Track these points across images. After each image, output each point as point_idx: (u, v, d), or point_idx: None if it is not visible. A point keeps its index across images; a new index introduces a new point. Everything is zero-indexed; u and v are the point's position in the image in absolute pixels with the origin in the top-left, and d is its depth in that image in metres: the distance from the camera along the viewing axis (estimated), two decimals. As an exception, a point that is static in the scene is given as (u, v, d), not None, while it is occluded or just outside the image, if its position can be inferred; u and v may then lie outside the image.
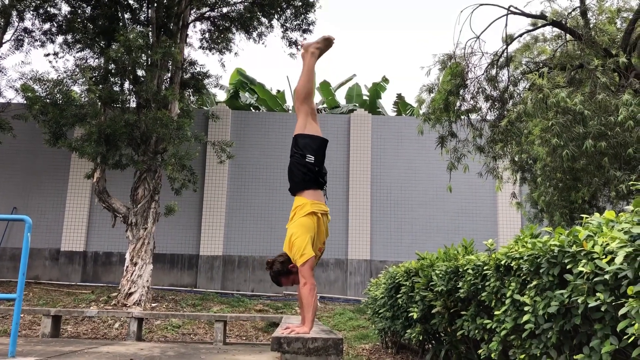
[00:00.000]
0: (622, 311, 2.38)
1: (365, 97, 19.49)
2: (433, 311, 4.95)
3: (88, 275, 13.96)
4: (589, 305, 2.68)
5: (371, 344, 8.37)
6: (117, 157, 11.33)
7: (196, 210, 14.41)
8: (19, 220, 6.05)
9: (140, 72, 11.65)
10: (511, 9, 8.77)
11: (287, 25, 13.61)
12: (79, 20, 12.04)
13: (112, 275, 13.87)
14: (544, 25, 9.07)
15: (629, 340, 2.39)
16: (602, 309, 2.61)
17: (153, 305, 11.13)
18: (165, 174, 11.19)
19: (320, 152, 4.34)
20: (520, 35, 9.43)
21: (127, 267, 10.97)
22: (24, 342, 7.30)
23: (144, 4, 12.54)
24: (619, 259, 2.40)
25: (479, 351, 4.08)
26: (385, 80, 19.02)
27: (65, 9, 12.60)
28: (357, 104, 18.73)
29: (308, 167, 4.25)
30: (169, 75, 12.13)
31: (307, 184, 4.25)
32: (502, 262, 3.72)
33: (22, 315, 9.35)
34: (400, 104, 19.60)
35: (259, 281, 14.06)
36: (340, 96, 20.71)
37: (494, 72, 9.19)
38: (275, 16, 13.42)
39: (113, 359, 5.77)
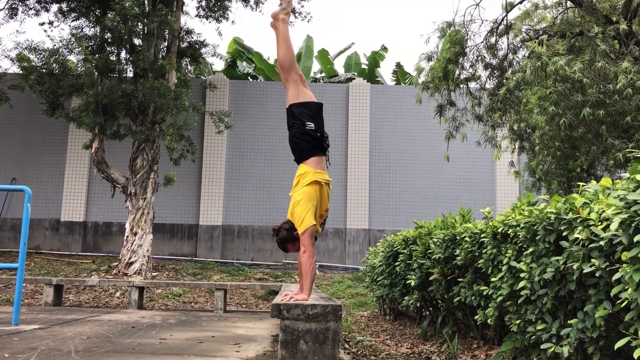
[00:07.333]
0: (616, 276, 2.41)
1: (364, 66, 19.33)
2: (430, 278, 5.01)
3: (88, 245, 14.06)
4: (584, 271, 2.71)
5: (369, 311, 8.48)
6: (115, 127, 11.28)
7: (195, 180, 14.43)
8: (18, 190, 6.07)
9: (136, 41, 11.50)
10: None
11: (285, -9, 13.39)
12: (73, -13, 11.83)
13: (112, 245, 13.97)
14: (544, -8, 8.97)
15: (622, 305, 2.44)
16: (597, 274, 2.65)
17: (154, 274, 11.23)
18: (164, 144, 11.15)
19: (317, 117, 4.31)
20: (521, 2, 9.33)
21: (127, 237, 11.04)
22: (27, 310, 7.39)
23: (139, -29, 12.30)
24: (614, 226, 2.43)
25: (476, 317, 4.14)
26: (384, 49, 18.83)
27: (59, -24, 12.37)
28: (356, 73, 18.59)
29: (310, 135, 4.23)
30: (166, 44, 11.99)
31: (313, 151, 4.24)
32: (499, 230, 3.75)
33: (24, 285, 9.44)
34: (399, 73, 19.45)
35: (258, 250, 14.17)
36: (339, 65, 20.61)
37: (493, 40, 9.11)
38: (273, -18, 13.22)
39: (115, 326, 5.85)
